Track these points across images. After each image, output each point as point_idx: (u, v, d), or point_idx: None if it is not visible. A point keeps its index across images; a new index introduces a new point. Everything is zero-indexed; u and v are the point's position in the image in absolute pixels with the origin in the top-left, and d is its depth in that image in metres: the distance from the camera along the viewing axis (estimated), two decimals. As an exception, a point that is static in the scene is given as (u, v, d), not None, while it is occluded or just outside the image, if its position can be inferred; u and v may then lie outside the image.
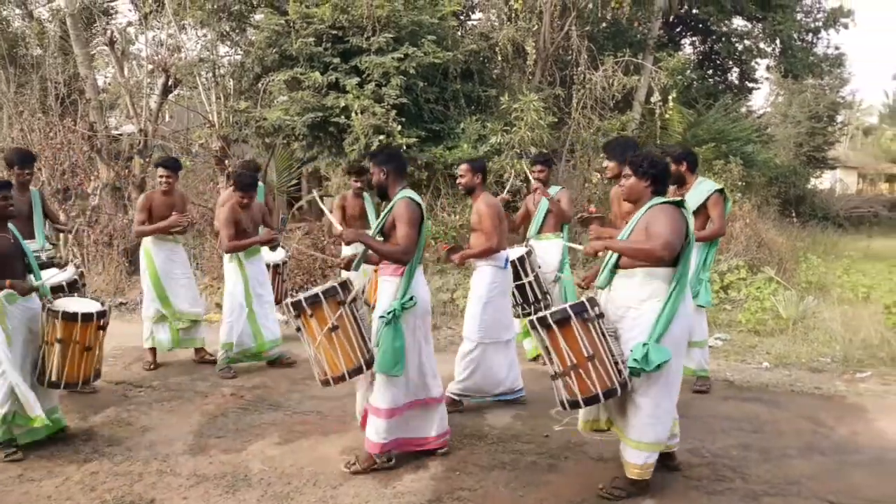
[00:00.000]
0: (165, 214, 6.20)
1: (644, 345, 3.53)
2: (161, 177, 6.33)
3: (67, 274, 5.33)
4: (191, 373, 6.22)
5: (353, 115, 9.59)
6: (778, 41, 16.87)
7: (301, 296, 4.11)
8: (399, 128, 9.58)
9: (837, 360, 6.50)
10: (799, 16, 16.88)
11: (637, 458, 3.70)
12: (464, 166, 5.26)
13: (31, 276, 4.56)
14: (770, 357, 6.66)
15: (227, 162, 10.98)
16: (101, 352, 4.73)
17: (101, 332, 4.63)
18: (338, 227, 4.53)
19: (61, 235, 5.45)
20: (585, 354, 3.55)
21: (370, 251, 4.28)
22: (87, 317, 4.47)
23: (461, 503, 3.73)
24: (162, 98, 12.01)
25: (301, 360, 6.54)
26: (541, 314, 3.69)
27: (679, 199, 3.84)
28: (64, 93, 13.32)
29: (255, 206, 6.27)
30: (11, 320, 4.33)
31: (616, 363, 3.59)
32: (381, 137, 9.46)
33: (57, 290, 5.09)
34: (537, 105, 9.91)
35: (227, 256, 6.23)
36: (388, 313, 4.04)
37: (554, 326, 3.59)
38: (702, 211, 5.36)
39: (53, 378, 4.41)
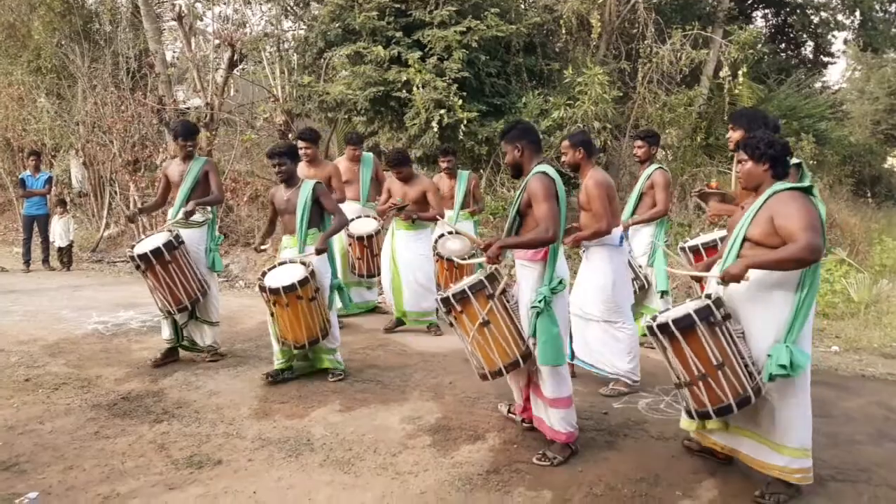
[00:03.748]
0: None
1: (786, 347, 3.21)
2: (300, 148, 6.47)
3: (160, 238, 5.41)
4: (255, 340, 6.38)
5: (414, 89, 9.58)
6: (857, 13, 16.08)
7: (449, 292, 4.01)
8: (460, 102, 9.54)
9: (913, 345, 6.26)
10: (882, -15, 16.05)
11: (778, 461, 3.41)
12: (564, 143, 4.97)
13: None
14: (839, 341, 6.45)
15: (290, 136, 11.15)
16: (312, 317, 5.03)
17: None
18: (480, 243, 4.29)
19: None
20: (714, 363, 3.27)
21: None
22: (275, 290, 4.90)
23: (519, 475, 3.74)
24: (228, 72, 12.24)
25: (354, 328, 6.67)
26: (662, 320, 3.36)
27: (808, 185, 3.41)
28: (134, 67, 13.71)
29: (419, 181, 6.53)
30: None
31: (747, 368, 3.30)
32: (442, 112, 9.44)
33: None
34: (602, 79, 9.72)
35: None
36: (540, 301, 3.78)
37: (678, 334, 3.29)
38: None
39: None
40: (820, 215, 3.27)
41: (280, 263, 5.18)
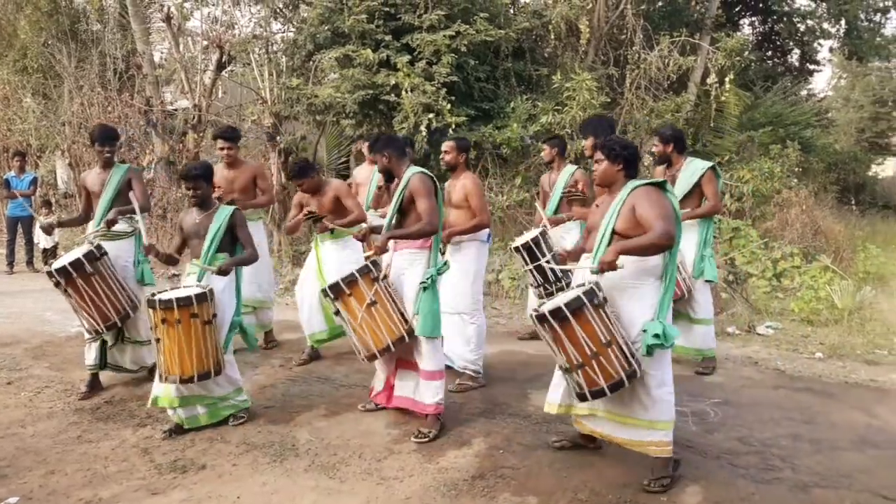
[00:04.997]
0: (226, 189, 5.90)
1: (659, 322, 3.54)
2: (220, 149, 6.01)
3: (79, 250, 4.92)
4: (240, 344, 6.32)
5: (403, 93, 9.58)
6: (843, 21, 16.25)
7: (338, 278, 4.32)
8: (448, 106, 9.54)
9: (895, 353, 6.31)
10: (867, -6, 16.23)
11: (655, 437, 3.68)
12: (449, 143, 5.33)
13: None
14: (823, 347, 6.49)
15: (278, 139, 11.11)
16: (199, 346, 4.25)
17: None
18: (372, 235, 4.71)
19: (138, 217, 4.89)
20: (603, 341, 3.48)
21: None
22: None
23: (504, 481, 3.74)
24: (216, 74, 12.20)
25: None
26: (554, 306, 3.52)
27: (661, 179, 3.82)
28: (122, 68, 13.65)
29: (329, 189, 5.66)
30: None
31: (628, 346, 3.55)
32: (431, 116, 9.44)
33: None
34: (590, 84, 9.75)
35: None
36: (428, 279, 4.31)
37: (570, 317, 3.48)
38: (696, 190, 5.51)
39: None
40: (674, 206, 3.64)
41: (173, 288, 4.60)
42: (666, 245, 3.50)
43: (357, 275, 4.29)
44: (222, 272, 4.41)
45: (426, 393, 4.38)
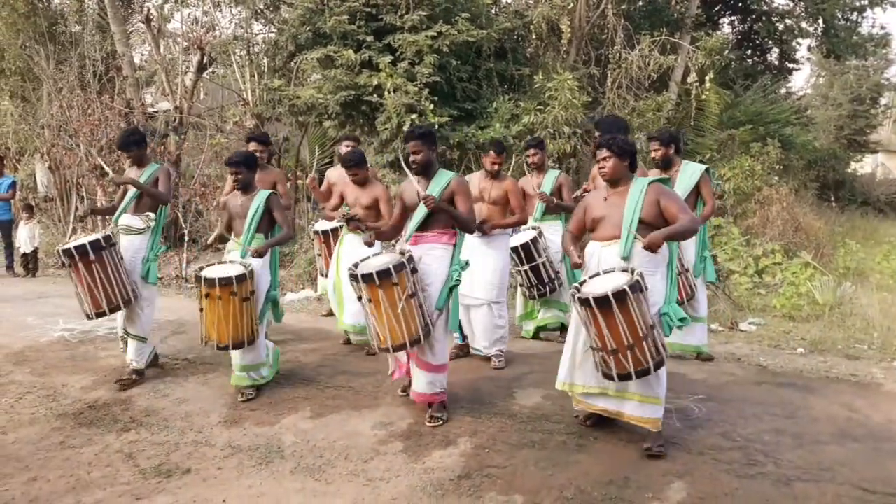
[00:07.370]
0: None
1: (679, 304, 4.11)
2: (253, 151, 6.01)
3: (89, 237, 5.22)
4: (225, 347, 6.30)
5: (385, 93, 9.57)
6: (820, 20, 16.41)
7: (389, 265, 4.30)
8: (431, 107, 9.54)
9: (875, 347, 6.39)
10: (844, -7, 16.39)
11: (659, 413, 4.03)
12: (493, 154, 5.78)
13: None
14: (805, 343, 6.56)
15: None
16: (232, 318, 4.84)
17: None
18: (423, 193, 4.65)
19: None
20: (641, 334, 3.76)
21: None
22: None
23: (490, 480, 3.75)
24: (197, 76, 12.13)
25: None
26: (619, 288, 3.69)
27: (665, 177, 4.50)
28: (101, 70, 13.53)
29: (373, 187, 6.05)
30: None
31: (661, 335, 3.96)
32: (414, 116, 9.44)
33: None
34: (572, 84, 9.79)
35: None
36: (458, 277, 4.56)
37: (631, 296, 3.71)
38: (692, 192, 5.69)
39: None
40: None
41: (220, 262, 5.20)
42: (694, 231, 4.11)
43: (406, 264, 4.33)
44: (259, 254, 4.94)
45: (432, 383, 4.54)
